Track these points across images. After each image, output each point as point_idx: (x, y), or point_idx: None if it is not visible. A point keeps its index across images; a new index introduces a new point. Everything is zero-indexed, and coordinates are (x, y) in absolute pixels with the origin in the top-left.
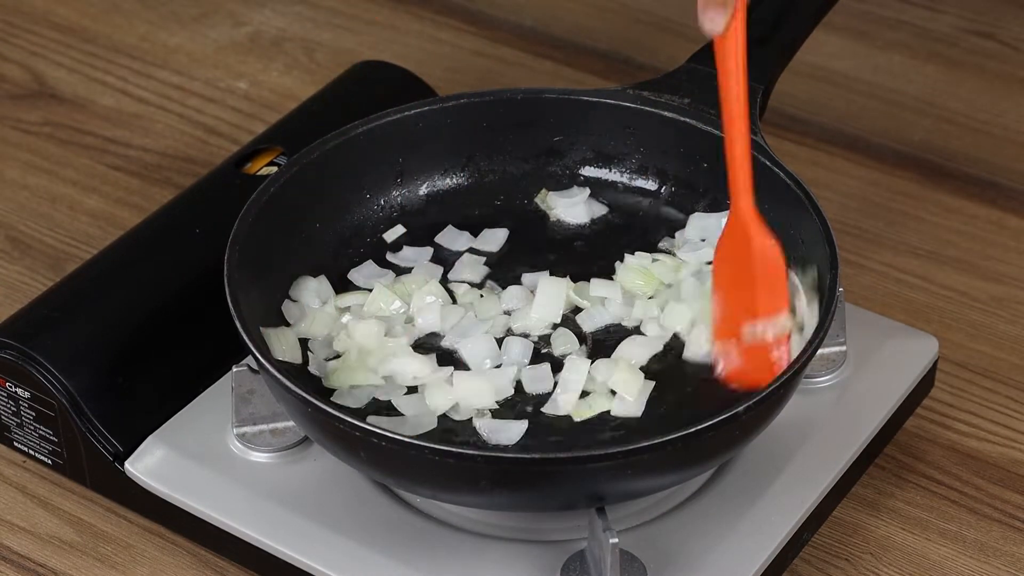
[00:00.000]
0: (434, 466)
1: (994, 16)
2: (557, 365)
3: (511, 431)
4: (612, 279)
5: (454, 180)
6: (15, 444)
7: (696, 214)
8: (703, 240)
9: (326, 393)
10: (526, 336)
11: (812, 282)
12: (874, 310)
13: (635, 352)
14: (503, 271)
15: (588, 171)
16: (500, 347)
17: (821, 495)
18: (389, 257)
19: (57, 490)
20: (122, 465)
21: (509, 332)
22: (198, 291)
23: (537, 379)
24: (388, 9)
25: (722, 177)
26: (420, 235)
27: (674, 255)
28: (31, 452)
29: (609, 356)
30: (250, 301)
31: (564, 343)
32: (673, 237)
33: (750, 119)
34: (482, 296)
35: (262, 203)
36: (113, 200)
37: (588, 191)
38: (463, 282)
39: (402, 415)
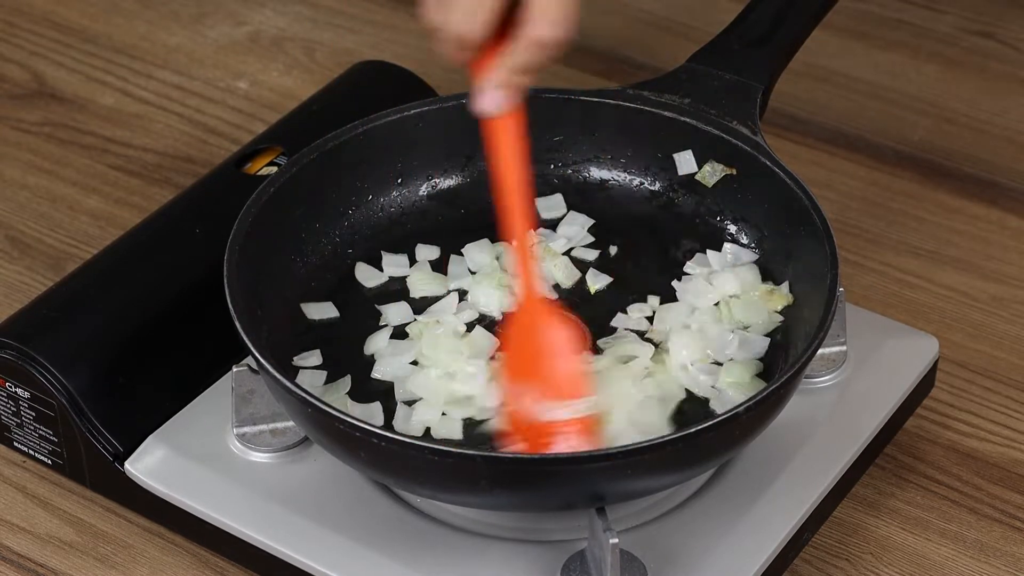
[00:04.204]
0: (434, 466)
1: (994, 16)
2: None
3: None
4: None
5: (454, 180)
6: (15, 444)
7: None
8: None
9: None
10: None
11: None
12: (874, 310)
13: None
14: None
15: (588, 171)
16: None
17: (821, 495)
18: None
19: (57, 490)
20: (122, 465)
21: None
22: (198, 291)
23: None
24: (388, 9)
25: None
26: (420, 236)
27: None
28: (31, 452)
29: None
30: (249, 301)
31: None
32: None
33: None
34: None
35: (262, 203)
36: (113, 200)
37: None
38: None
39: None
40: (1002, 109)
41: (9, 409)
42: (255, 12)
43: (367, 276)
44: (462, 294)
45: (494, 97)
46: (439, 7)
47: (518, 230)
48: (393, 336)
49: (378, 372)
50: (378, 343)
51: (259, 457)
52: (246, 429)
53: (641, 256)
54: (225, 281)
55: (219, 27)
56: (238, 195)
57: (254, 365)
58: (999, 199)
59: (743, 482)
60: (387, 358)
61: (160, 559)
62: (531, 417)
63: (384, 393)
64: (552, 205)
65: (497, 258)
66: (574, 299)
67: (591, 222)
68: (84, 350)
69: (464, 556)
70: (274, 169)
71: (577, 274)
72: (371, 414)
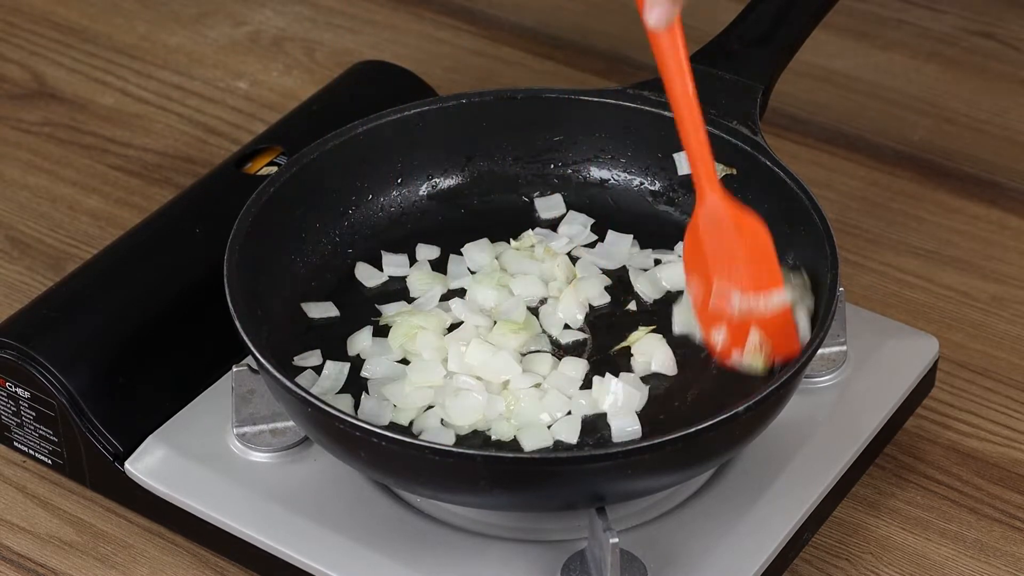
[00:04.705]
0: (434, 466)
1: (994, 16)
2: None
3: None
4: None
5: (454, 180)
6: (15, 444)
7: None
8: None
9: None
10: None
11: (804, 283)
12: (874, 310)
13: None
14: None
15: (588, 171)
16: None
17: (821, 495)
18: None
19: (57, 490)
20: (122, 465)
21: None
22: (198, 291)
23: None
24: (388, 9)
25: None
26: (420, 236)
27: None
28: (31, 452)
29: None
30: (249, 301)
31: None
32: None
33: (700, 109)
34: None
35: (262, 203)
36: (113, 200)
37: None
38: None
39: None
40: (1002, 109)
41: (9, 409)
42: (255, 12)
43: (367, 276)
44: (461, 294)
45: (659, 11)
46: None
47: (693, 132)
48: (377, 334)
49: (367, 372)
50: (362, 342)
51: (259, 457)
52: (246, 429)
53: None
54: (225, 281)
55: (219, 27)
56: (238, 195)
57: (254, 365)
58: (999, 199)
59: (743, 482)
60: (374, 358)
61: (160, 559)
62: (731, 310)
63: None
64: (552, 205)
65: (496, 258)
66: None
67: (591, 221)
68: (84, 350)
69: (464, 556)
70: (274, 169)
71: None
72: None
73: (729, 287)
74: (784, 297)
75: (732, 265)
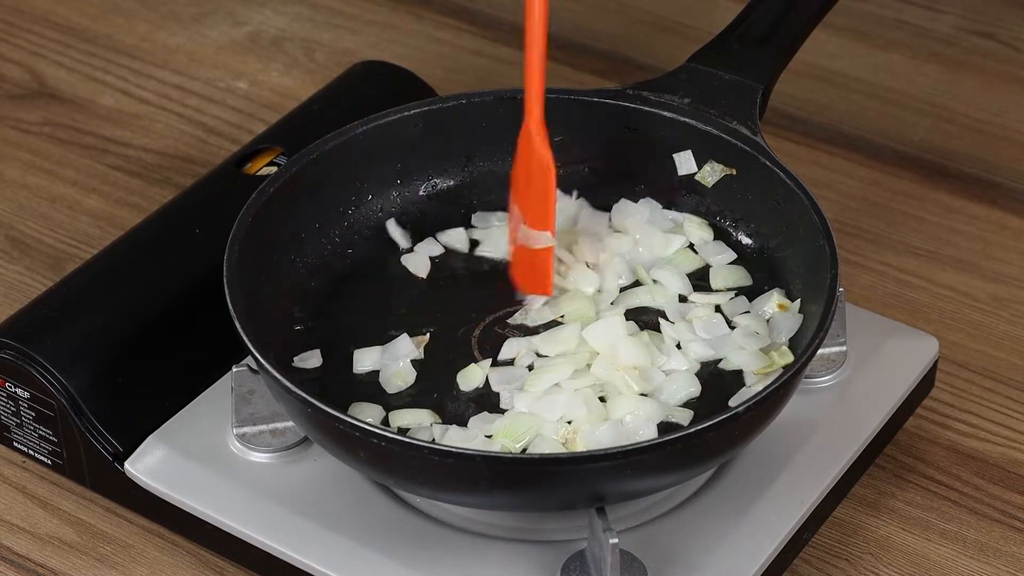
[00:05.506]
0: (434, 466)
1: (994, 16)
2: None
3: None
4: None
5: (454, 180)
6: (15, 444)
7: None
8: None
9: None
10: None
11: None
12: (874, 310)
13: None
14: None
15: (589, 171)
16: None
17: (821, 495)
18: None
19: (57, 490)
20: (122, 465)
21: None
22: (198, 291)
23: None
24: (388, 9)
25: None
26: (421, 236)
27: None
28: (31, 452)
29: None
30: (249, 301)
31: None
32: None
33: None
34: None
35: (262, 203)
36: (113, 200)
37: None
38: None
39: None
40: (1002, 109)
41: (9, 409)
42: (255, 12)
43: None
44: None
45: None
46: None
47: (534, 49)
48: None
49: (385, 384)
50: (372, 357)
51: (259, 457)
52: (246, 429)
53: None
54: (225, 281)
55: (219, 27)
56: (238, 195)
57: (254, 365)
58: (999, 199)
59: (743, 482)
60: (388, 365)
61: (160, 559)
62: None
63: (384, 392)
64: None
65: (474, 242)
66: None
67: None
68: (84, 350)
69: (464, 556)
70: (274, 169)
71: None
72: (371, 414)
73: (518, 214)
74: (549, 240)
75: (525, 193)
